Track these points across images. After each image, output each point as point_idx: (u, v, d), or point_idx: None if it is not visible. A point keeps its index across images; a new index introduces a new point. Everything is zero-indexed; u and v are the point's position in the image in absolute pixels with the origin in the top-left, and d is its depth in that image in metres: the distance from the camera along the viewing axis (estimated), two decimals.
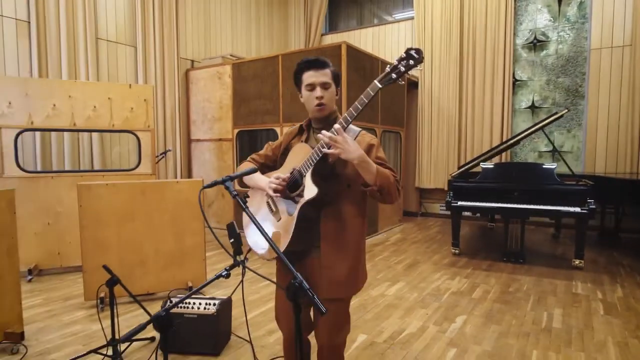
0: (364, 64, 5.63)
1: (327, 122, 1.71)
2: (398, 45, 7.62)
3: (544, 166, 4.51)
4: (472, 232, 6.25)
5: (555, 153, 6.40)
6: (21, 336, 2.67)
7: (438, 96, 7.14)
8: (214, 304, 2.61)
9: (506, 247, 4.71)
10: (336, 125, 1.48)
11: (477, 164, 5.06)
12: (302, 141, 1.78)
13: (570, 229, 5.93)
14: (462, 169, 5.14)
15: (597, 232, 5.86)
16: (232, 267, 1.58)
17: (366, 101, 1.50)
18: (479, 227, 6.66)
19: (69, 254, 4.20)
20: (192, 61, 6.69)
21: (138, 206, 3.34)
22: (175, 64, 6.24)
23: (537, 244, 5.46)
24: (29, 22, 4.72)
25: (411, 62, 1.47)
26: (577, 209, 4.14)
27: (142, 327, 1.41)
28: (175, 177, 6.26)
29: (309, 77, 1.66)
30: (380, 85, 1.51)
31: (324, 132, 1.50)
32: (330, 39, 8.41)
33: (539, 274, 4.15)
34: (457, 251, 4.88)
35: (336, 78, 1.70)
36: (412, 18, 7.45)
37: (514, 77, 6.62)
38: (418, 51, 1.46)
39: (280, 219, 1.72)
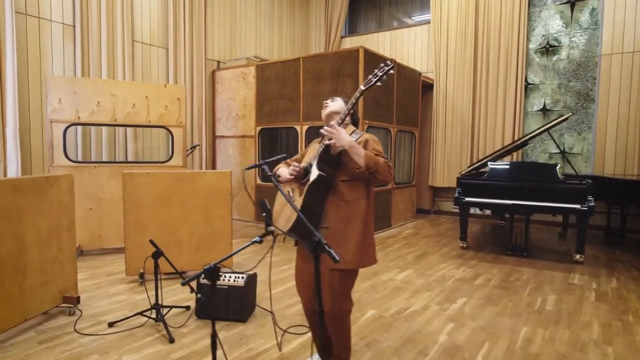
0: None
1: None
2: (415, 48, 7.92)
3: (547, 165, 4.77)
4: (482, 229, 6.52)
5: (565, 154, 6.61)
6: (77, 300, 3.10)
7: (452, 98, 7.41)
8: (242, 277, 3.00)
9: (511, 241, 4.99)
10: (332, 122, 1.94)
11: (486, 164, 5.34)
12: (318, 142, 2.18)
13: (575, 227, 6.14)
14: (471, 167, 5.42)
15: (603, 232, 6.06)
16: (264, 235, 1.95)
17: (355, 102, 1.96)
18: (489, 225, 6.92)
19: (108, 237, 4.67)
20: (218, 62, 7.13)
21: (173, 193, 3.75)
22: (203, 65, 6.68)
23: (543, 241, 5.71)
24: (74, 26, 5.21)
25: (385, 67, 1.90)
26: (577, 206, 4.39)
27: (198, 275, 1.78)
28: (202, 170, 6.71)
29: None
30: (363, 88, 1.95)
31: (325, 126, 1.93)
32: (349, 42, 8.75)
33: (540, 267, 4.43)
34: (464, 245, 5.17)
35: (345, 102, 2.16)
36: (428, 22, 7.74)
37: (526, 80, 6.85)
38: (392, 60, 1.93)
39: (294, 200, 2.11)
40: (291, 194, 2.15)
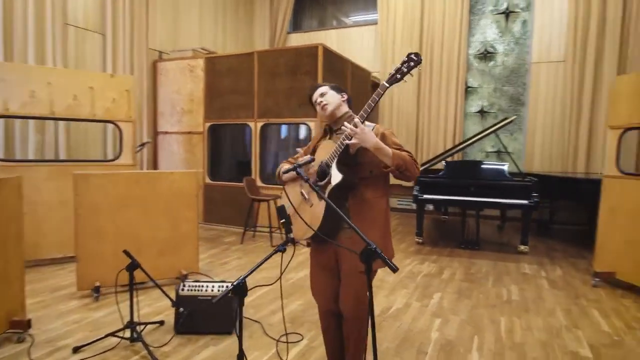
0: (336, 65, 5.95)
1: (341, 122, 2.04)
2: (362, 47, 8.02)
3: (497, 164, 5.12)
4: (427, 224, 6.82)
5: (500, 153, 7.16)
6: (28, 324, 2.68)
7: (398, 98, 7.64)
8: (227, 286, 2.80)
9: (463, 235, 5.28)
10: (356, 120, 1.81)
11: (439, 162, 5.58)
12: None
13: (511, 221, 6.69)
14: (426, 165, 5.63)
15: (535, 224, 6.65)
16: (285, 242, 1.82)
17: (377, 99, 1.84)
18: (432, 220, 7.26)
19: (47, 246, 4.12)
20: (160, 52, 6.63)
21: (134, 196, 3.41)
22: (144, 54, 6.17)
23: (486, 234, 6.12)
24: None
25: (412, 63, 1.80)
26: (525, 202, 4.77)
27: (226, 293, 1.61)
28: (141, 169, 6.20)
29: (312, 98, 2.10)
30: (388, 85, 1.83)
31: (345, 123, 1.82)
32: (296, 39, 8.64)
33: (493, 258, 4.73)
34: (420, 240, 5.37)
35: (333, 87, 2.08)
36: (375, 23, 7.89)
37: (466, 84, 7.28)
38: (417, 54, 1.80)
39: (312, 204, 2.00)
40: (306, 196, 2.03)
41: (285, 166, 2.15)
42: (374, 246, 1.52)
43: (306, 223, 1.91)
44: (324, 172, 1.97)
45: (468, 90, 7.34)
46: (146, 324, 2.77)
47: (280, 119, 5.74)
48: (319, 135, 2.18)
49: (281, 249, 1.80)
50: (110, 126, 5.43)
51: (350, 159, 1.95)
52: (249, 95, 5.88)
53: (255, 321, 2.96)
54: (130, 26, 5.93)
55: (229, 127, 6.31)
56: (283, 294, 3.50)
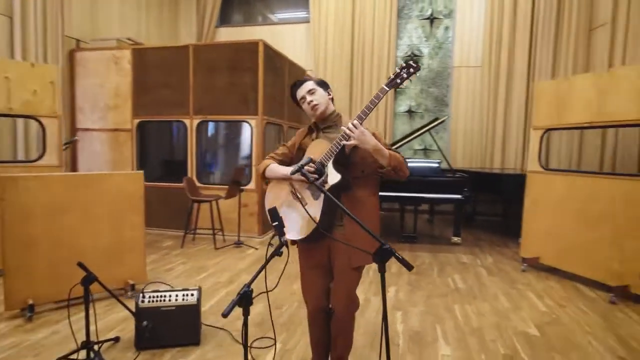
0: (275, 62, 5.87)
1: (330, 120, 2.06)
2: (294, 45, 7.99)
3: (432, 162, 5.45)
4: None
5: (427, 150, 7.64)
6: None
7: None
8: (193, 294, 2.64)
9: (402, 229, 5.54)
10: (355, 121, 1.80)
11: None
12: (312, 139, 2.05)
13: (439, 214, 7.18)
14: None
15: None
16: (280, 246, 1.77)
17: (377, 102, 1.85)
18: None
19: None
20: (78, 40, 5.99)
21: (72, 200, 3.05)
22: (60, 42, 5.51)
23: (420, 227, 6.49)
24: None
25: (411, 70, 1.84)
26: (458, 196, 5.14)
27: (234, 304, 1.51)
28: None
29: (298, 94, 2.03)
30: (387, 89, 1.86)
31: (349, 125, 1.79)
32: (225, 33, 8.35)
33: (432, 250, 5.04)
34: None
35: (320, 83, 2.05)
36: (308, 21, 7.92)
37: None
38: (416, 61, 1.85)
39: (306, 204, 1.96)
40: (299, 195, 1.98)
41: (269, 162, 2.08)
42: (389, 246, 1.53)
43: (311, 217, 1.86)
44: (319, 172, 1.93)
45: (397, 91, 7.70)
46: (102, 342, 2.50)
47: (219, 116, 5.52)
48: (303, 132, 2.13)
49: (278, 253, 1.74)
50: (22, 121, 4.79)
51: (344, 158, 1.94)
52: (184, 91, 5.57)
53: (221, 329, 2.83)
54: (43, 9, 5.26)
55: (161, 124, 5.92)
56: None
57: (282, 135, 6.32)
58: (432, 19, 7.50)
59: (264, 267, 1.73)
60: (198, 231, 5.30)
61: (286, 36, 8.13)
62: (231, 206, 5.40)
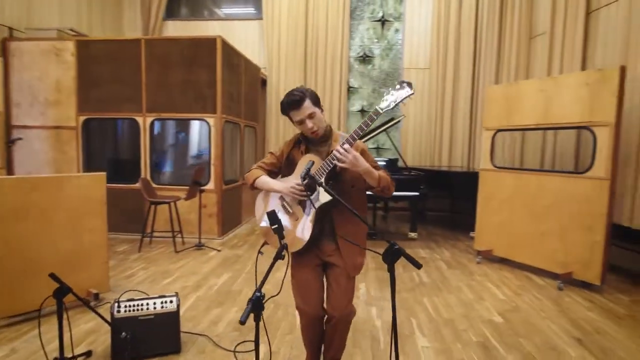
0: (233, 60, 5.75)
1: (322, 136, 2.02)
2: (246, 42, 7.84)
3: (390, 160, 5.63)
4: None
5: (379, 149, 7.87)
6: None
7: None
8: (171, 301, 2.53)
9: None
10: (346, 145, 1.79)
11: None
12: (302, 152, 2.05)
13: (392, 210, 7.43)
14: None
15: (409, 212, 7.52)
16: (281, 249, 1.77)
17: (370, 123, 1.83)
18: None
19: None
20: (11, 29, 5.46)
21: (29, 205, 2.80)
22: None
23: (376, 223, 6.68)
24: None
25: (405, 93, 1.82)
26: (415, 193, 5.36)
27: (249, 310, 1.49)
28: None
29: (295, 116, 1.93)
30: (381, 111, 1.84)
31: (338, 148, 1.79)
32: (173, 27, 8.00)
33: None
34: None
35: (316, 102, 1.95)
36: (260, 18, 7.81)
37: (348, 84, 7.77)
38: (409, 84, 1.85)
39: (297, 218, 1.98)
40: (290, 210, 2.01)
41: (260, 173, 2.06)
42: (397, 245, 1.59)
43: (298, 237, 1.87)
44: (310, 188, 1.94)
45: (350, 90, 7.85)
46: (76, 357, 2.33)
47: (174, 114, 5.30)
48: (291, 142, 2.12)
49: (280, 256, 1.75)
50: None
51: (335, 175, 1.96)
52: (135, 87, 5.29)
53: (200, 334, 2.74)
54: None
55: (110, 122, 5.58)
56: (211, 304, 3.31)
57: (239, 134, 6.21)
58: (383, 21, 7.72)
59: (269, 271, 1.72)
60: (155, 234, 5.07)
61: (237, 32, 7.96)
62: (189, 207, 5.23)
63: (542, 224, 4.10)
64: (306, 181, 1.91)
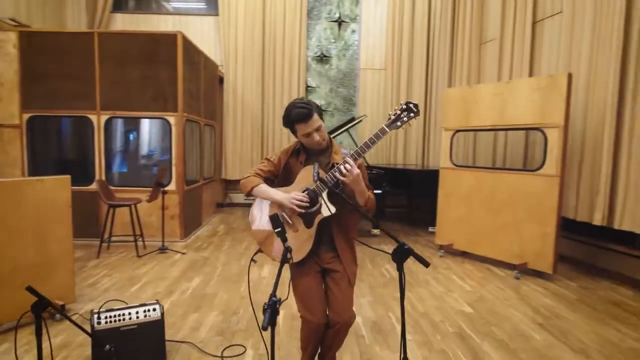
0: (193, 57, 5.59)
1: (325, 149, 2.06)
2: (202, 38, 7.60)
3: None
4: None
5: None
6: None
7: (242, 93, 7.62)
8: (154, 309, 2.44)
9: None
10: (350, 162, 1.84)
11: None
12: (300, 162, 2.07)
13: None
14: None
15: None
16: (286, 252, 1.78)
17: (376, 141, 1.88)
18: None
19: None
20: None
21: None
22: None
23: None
24: None
25: (412, 114, 1.89)
26: (379, 191, 5.52)
27: (270, 315, 1.48)
28: None
29: (303, 129, 1.93)
30: (388, 130, 1.90)
31: (347, 163, 1.83)
32: (122, 20, 7.59)
33: (356, 243, 5.32)
34: None
35: (320, 113, 1.99)
36: (216, 14, 7.61)
37: (306, 83, 7.80)
38: (416, 105, 1.91)
39: (297, 230, 2.00)
40: (290, 221, 2.01)
41: (258, 181, 2.04)
42: (407, 245, 1.66)
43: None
44: (312, 201, 1.97)
45: (308, 90, 7.89)
46: None
47: (132, 112, 5.06)
48: (289, 152, 2.12)
49: (287, 260, 1.76)
50: None
51: (335, 188, 1.98)
52: (88, 83, 4.97)
53: (183, 342, 2.66)
54: None
55: (59, 120, 5.20)
56: (188, 309, 3.22)
57: (199, 133, 6.04)
58: (340, 22, 7.83)
59: (278, 276, 1.72)
60: (112, 238, 4.80)
61: (191, 28, 7.70)
62: (149, 210, 5.02)
63: (498, 219, 4.39)
64: (307, 192, 1.94)
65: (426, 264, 1.67)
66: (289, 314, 3.11)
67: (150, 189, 4.58)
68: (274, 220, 1.84)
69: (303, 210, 1.94)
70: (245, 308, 3.23)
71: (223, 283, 3.77)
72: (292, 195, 1.94)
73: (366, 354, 2.58)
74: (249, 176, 2.07)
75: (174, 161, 5.11)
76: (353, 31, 7.86)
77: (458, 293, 3.64)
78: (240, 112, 7.67)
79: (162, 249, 4.67)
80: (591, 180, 4.23)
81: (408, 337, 2.81)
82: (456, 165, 4.89)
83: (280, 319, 2.92)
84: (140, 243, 4.78)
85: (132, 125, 5.91)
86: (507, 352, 2.62)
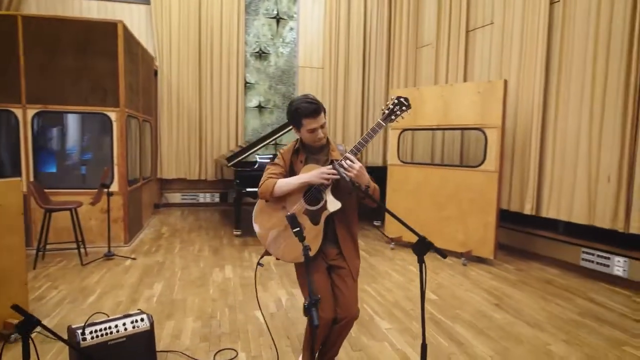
0: (133, 48, 5.23)
1: (321, 145, 2.13)
2: (132, 27, 7.07)
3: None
4: (209, 216, 6.93)
5: (277, 146, 7.97)
6: None
7: (177, 88, 7.26)
8: (142, 319, 2.30)
9: None
10: (351, 157, 1.93)
11: (248, 156, 5.78)
12: (301, 161, 2.12)
13: None
14: (237, 159, 5.71)
15: None
16: (306, 251, 1.81)
17: (374, 135, 1.98)
18: (205, 211, 7.38)
19: None
20: None
21: None
22: None
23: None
24: None
25: (404, 108, 2.01)
26: None
27: (313, 313, 1.50)
28: None
29: (310, 123, 1.97)
30: (384, 124, 2.02)
31: (348, 159, 1.92)
32: (37, 3, 6.76)
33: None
34: (239, 232, 5.50)
35: (325, 111, 2.07)
36: (148, 3, 7.14)
37: (245, 79, 7.66)
38: (407, 99, 2.03)
39: (305, 228, 2.02)
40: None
41: (274, 181, 2.03)
42: (427, 239, 1.77)
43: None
44: (315, 198, 2.01)
45: (247, 86, 7.76)
46: None
47: (65, 107, 4.59)
48: (290, 151, 2.15)
49: (310, 259, 1.80)
50: None
51: (337, 184, 2.05)
52: (10, 73, 4.42)
53: (170, 351, 2.54)
54: None
55: None
56: (160, 317, 3.06)
57: (138, 130, 5.65)
58: (278, 19, 7.80)
59: (309, 275, 1.74)
60: (48, 246, 4.32)
61: (119, 16, 7.10)
62: (87, 213, 4.62)
63: (444, 211, 4.77)
64: (312, 189, 1.99)
65: (444, 255, 1.80)
66: (282, 314, 3.10)
67: (82, 190, 4.23)
68: (291, 220, 1.85)
69: (334, 181, 1.96)
70: (221, 311, 3.15)
71: (188, 287, 3.62)
72: (320, 171, 1.96)
73: (356, 346, 2.68)
74: (263, 182, 2.05)
75: (115, 160, 4.74)
76: (291, 29, 7.88)
77: (418, 283, 3.90)
78: (175, 108, 7.30)
79: (109, 255, 4.33)
80: (521, 174, 4.78)
81: (387, 325, 2.98)
82: (403, 162, 5.20)
83: (268, 319, 2.90)
84: (82, 250, 4.37)
85: (60, 120, 5.36)
86: (477, 331, 2.90)
